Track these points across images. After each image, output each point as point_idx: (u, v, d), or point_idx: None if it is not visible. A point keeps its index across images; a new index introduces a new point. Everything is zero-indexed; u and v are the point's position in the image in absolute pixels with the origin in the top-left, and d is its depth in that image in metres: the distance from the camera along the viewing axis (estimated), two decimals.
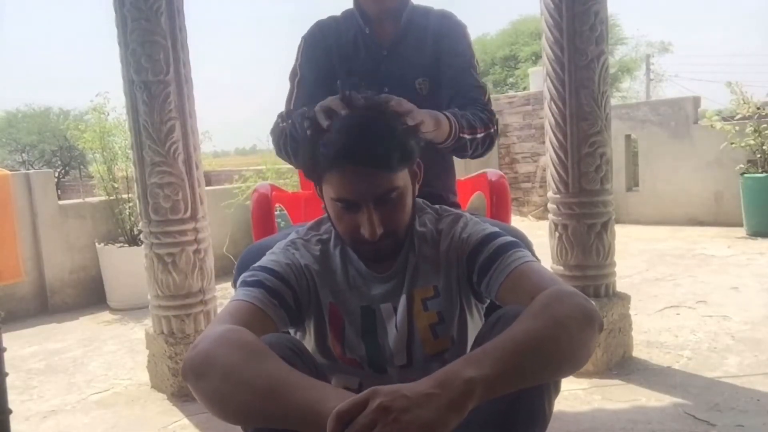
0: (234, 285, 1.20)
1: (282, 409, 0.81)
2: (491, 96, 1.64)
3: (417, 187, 1.13)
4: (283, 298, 1.06)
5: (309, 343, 1.15)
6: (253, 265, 1.12)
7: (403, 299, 1.12)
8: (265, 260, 1.12)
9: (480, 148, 1.55)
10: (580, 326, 0.89)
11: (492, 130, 1.56)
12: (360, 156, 0.99)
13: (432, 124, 1.34)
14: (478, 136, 1.51)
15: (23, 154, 19.85)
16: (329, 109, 1.06)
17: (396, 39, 1.65)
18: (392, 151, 1.01)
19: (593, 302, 0.94)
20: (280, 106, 1.66)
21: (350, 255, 1.15)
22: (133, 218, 4.08)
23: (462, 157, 1.58)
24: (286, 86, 1.69)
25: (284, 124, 1.55)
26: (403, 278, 1.13)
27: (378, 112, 1.04)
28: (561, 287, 0.95)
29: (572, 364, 0.90)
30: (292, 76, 1.67)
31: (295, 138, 1.45)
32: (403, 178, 1.05)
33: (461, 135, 1.46)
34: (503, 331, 0.87)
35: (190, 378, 0.88)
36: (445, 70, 1.62)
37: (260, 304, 1.02)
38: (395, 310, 1.13)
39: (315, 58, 1.65)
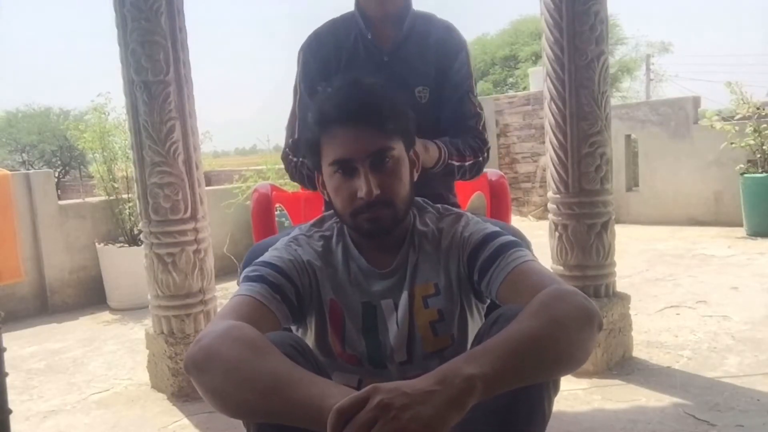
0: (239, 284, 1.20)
1: (283, 404, 0.81)
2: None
3: (416, 174, 1.16)
4: (285, 294, 1.06)
5: (309, 339, 1.16)
6: (256, 260, 1.12)
7: (404, 296, 1.13)
8: (267, 256, 1.13)
9: (467, 174, 1.63)
10: (579, 325, 0.89)
11: (481, 159, 1.63)
12: (353, 109, 1.03)
13: (420, 147, 1.37)
14: (467, 163, 1.59)
15: (23, 154, 19.85)
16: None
17: (397, 45, 1.63)
18: (384, 108, 1.06)
19: (593, 302, 0.94)
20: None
21: (352, 251, 1.15)
22: (133, 218, 4.08)
23: (448, 182, 1.67)
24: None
25: (295, 159, 1.63)
26: (404, 275, 1.14)
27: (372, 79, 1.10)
28: (561, 286, 0.95)
29: (571, 363, 0.90)
30: (294, 94, 1.69)
31: (302, 172, 1.60)
32: (397, 146, 1.09)
33: (450, 161, 1.53)
34: (503, 329, 0.87)
35: (192, 373, 0.88)
36: (447, 94, 1.63)
37: (262, 299, 1.03)
38: (396, 306, 1.13)
39: (313, 73, 1.64)
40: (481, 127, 1.65)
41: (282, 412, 0.82)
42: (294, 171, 1.64)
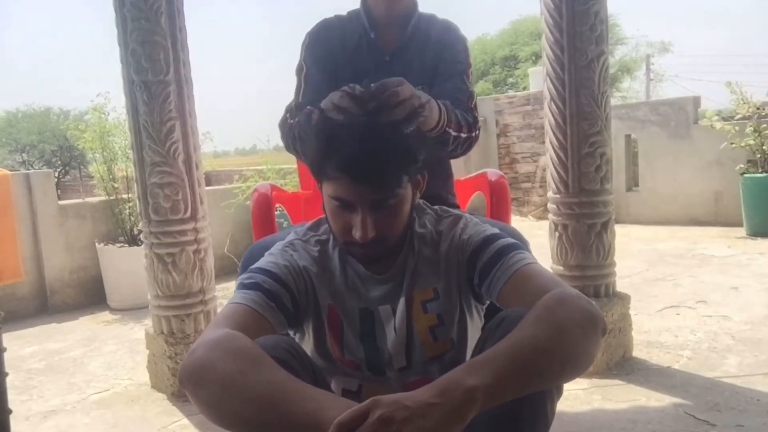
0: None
1: (280, 418, 0.80)
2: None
3: (418, 195, 1.12)
4: (281, 301, 1.05)
5: (308, 345, 1.15)
6: (251, 266, 1.11)
7: (401, 301, 1.12)
8: (263, 262, 1.11)
9: (459, 149, 1.55)
10: (583, 331, 0.88)
11: (474, 134, 1.57)
12: (361, 177, 0.98)
13: (427, 107, 1.31)
14: (462, 135, 1.52)
15: (23, 154, 19.85)
16: (337, 106, 1.03)
17: (400, 46, 1.64)
18: (396, 170, 1.00)
19: (595, 303, 0.93)
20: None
21: (349, 256, 1.14)
22: (133, 218, 4.07)
23: (439, 153, 1.57)
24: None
25: (292, 121, 1.58)
26: (402, 280, 1.13)
27: (384, 115, 1.01)
28: (564, 290, 0.94)
29: (575, 370, 0.89)
30: (299, 70, 1.67)
31: (302, 137, 1.47)
32: (403, 188, 1.04)
33: (447, 128, 1.45)
34: (506, 334, 0.86)
35: (187, 385, 0.87)
36: (440, 73, 1.63)
37: (257, 307, 1.01)
38: (394, 312, 1.12)
39: (320, 55, 1.64)
40: (472, 105, 1.62)
41: (279, 425, 0.81)
42: (289, 136, 1.58)
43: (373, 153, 0.97)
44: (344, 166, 0.98)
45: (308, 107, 1.37)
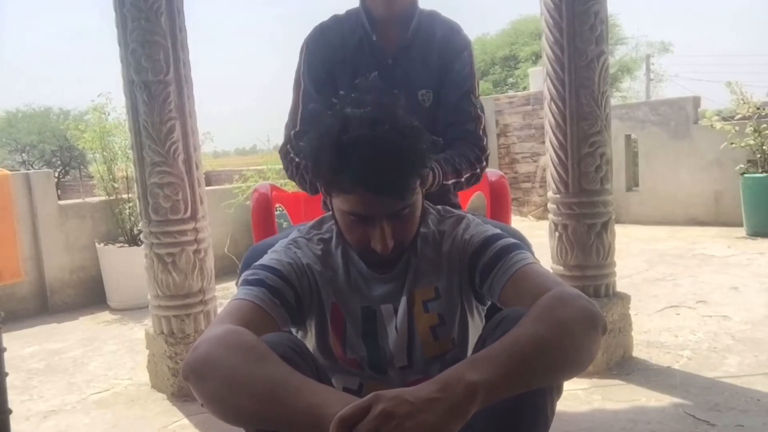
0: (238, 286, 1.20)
1: (283, 412, 0.81)
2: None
3: (424, 192, 1.13)
4: (285, 297, 1.05)
5: (310, 342, 1.15)
6: (255, 263, 1.12)
7: (403, 300, 1.12)
8: (266, 259, 1.12)
9: (465, 186, 1.59)
10: (583, 329, 0.88)
11: (478, 170, 1.59)
12: (378, 188, 0.98)
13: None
14: (463, 179, 1.54)
15: (23, 154, 19.88)
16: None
17: (402, 48, 1.61)
18: (410, 178, 1.01)
19: (595, 303, 0.93)
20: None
21: (351, 255, 1.14)
22: (133, 218, 4.08)
23: (443, 195, 1.60)
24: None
25: (297, 159, 1.57)
26: (404, 279, 1.13)
27: (391, 123, 0.99)
28: (564, 289, 0.94)
29: (576, 368, 0.90)
30: (296, 86, 1.64)
31: (315, 159, 1.51)
32: (417, 192, 1.05)
33: (444, 182, 1.49)
34: (506, 332, 0.87)
35: (191, 380, 0.88)
36: (447, 93, 1.61)
37: (261, 303, 1.02)
38: (395, 311, 1.12)
39: (317, 65, 1.61)
40: (480, 132, 1.62)
41: (282, 420, 0.81)
42: (294, 171, 1.59)
43: (387, 163, 0.96)
44: (360, 179, 0.97)
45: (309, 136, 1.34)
